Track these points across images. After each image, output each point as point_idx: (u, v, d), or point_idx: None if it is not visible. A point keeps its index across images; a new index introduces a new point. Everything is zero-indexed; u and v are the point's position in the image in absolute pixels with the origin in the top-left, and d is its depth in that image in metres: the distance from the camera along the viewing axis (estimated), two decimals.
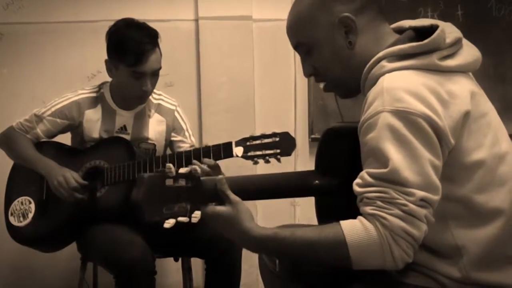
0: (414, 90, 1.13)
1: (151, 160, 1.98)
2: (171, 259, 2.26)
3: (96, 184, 2.04)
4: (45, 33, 2.71)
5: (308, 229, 1.19)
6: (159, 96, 2.24)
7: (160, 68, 2.07)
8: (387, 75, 1.18)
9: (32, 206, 2.11)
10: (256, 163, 1.83)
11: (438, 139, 1.13)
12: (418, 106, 1.12)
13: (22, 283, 2.77)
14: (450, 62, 1.21)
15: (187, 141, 2.24)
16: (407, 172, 1.10)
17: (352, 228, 1.12)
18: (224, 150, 1.86)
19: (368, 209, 1.12)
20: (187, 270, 2.29)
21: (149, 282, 1.89)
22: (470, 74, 1.29)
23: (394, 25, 1.35)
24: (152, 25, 2.07)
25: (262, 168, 1.89)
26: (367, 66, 1.24)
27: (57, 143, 2.20)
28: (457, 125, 1.15)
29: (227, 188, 1.24)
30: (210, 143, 1.91)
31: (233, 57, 2.77)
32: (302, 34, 1.31)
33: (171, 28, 2.71)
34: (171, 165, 1.21)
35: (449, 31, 1.24)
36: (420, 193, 1.09)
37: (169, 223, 1.20)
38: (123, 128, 2.15)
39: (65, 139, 2.24)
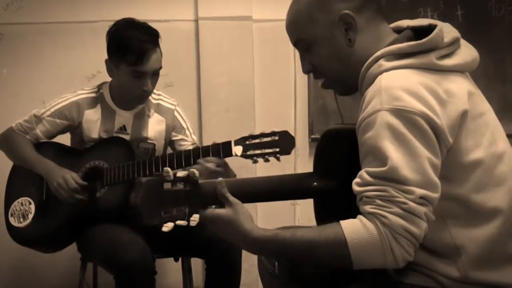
0: (412, 89, 1.13)
1: (151, 160, 1.98)
2: (171, 259, 2.26)
3: (95, 184, 2.04)
4: (44, 34, 2.71)
5: (308, 229, 1.19)
6: (158, 96, 2.24)
7: (160, 67, 2.07)
8: (385, 74, 1.19)
9: (32, 207, 2.11)
10: (255, 162, 1.83)
11: (436, 137, 1.13)
12: (416, 105, 1.12)
13: (22, 284, 2.77)
14: (448, 62, 1.21)
15: (188, 139, 2.24)
16: (406, 170, 1.10)
17: (352, 228, 1.12)
18: (223, 150, 1.86)
19: (368, 208, 1.12)
20: (187, 270, 2.29)
21: (149, 282, 1.89)
22: (468, 74, 1.29)
23: (392, 25, 1.36)
24: (152, 25, 2.08)
25: (262, 167, 1.90)
26: (365, 65, 1.24)
27: (56, 144, 2.20)
28: (455, 124, 1.15)
29: (227, 190, 1.24)
30: (210, 143, 1.90)
31: (233, 57, 2.77)
32: (302, 31, 1.31)
33: (171, 29, 2.71)
34: (169, 169, 1.21)
35: (447, 30, 1.24)
36: (420, 191, 1.09)
37: (167, 226, 1.20)
38: (123, 128, 2.15)
39: (65, 139, 2.24)
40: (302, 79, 2.85)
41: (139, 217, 1.19)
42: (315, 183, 1.33)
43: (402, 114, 1.11)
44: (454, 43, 1.25)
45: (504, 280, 1.18)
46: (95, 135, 2.13)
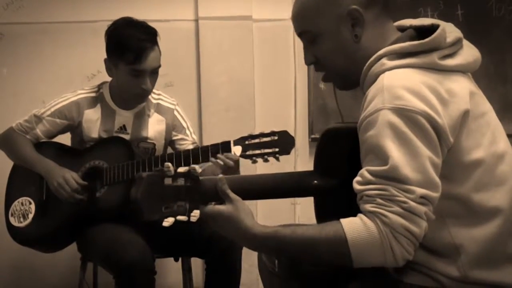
0: (414, 88, 1.13)
1: (150, 160, 1.97)
2: (171, 259, 2.26)
3: (95, 184, 2.05)
4: (45, 33, 2.71)
5: (309, 227, 1.19)
6: (158, 96, 2.24)
7: (159, 66, 2.07)
8: (387, 73, 1.19)
9: (32, 206, 2.11)
10: (255, 162, 1.83)
11: (437, 137, 1.13)
12: (418, 104, 1.12)
13: (22, 283, 2.77)
14: (450, 62, 1.22)
15: (189, 139, 2.24)
16: (407, 169, 1.10)
17: (353, 226, 1.12)
18: (223, 149, 1.86)
19: (368, 207, 1.12)
20: (187, 270, 2.29)
21: (149, 282, 1.89)
22: (469, 74, 1.29)
23: (395, 24, 1.36)
24: (152, 25, 2.08)
25: (262, 167, 1.89)
26: (367, 63, 1.24)
27: (56, 144, 2.20)
28: (456, 124, 1.15)
29: (227, 187, 1.24)
30: (210, 143, 1.90)
31: (233, 57, 2.77)
32: (308, 22, 1.31)
33: (171, 28, 2.71)
34: (169, 164, 1.21)
35: (449, 30, 1.24)
36: (420, 191, 1.09)
37: (168, 221, 1.20)
38: (123, 128, 2.15)
39: (65, 139, 2.24)
40: (302, 78, 2.85)
41: (139, 212, 1.19)
42: (315, 181, 1.33)
43: (403, 113, 1.12)
44: (457, 43, 1.25)
45: (504, 279, 1.18)
46: (95, 134, 2.13)
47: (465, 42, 1.29)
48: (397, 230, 1.09)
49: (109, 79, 2.17)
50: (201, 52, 2.77)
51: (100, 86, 2.19)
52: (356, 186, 1.16)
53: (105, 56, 2.07)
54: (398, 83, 1.15)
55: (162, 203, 1.20)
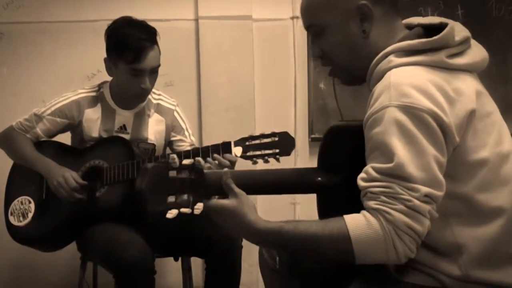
0: (421, 86, 1.13)
1: (150, 160, 1.97)
2: (171, 258, 2.26)
3: (95, 184, 2.04)
4: (45, 33, 2.71)
5: (312, 223, 1.19)
6: (158, 96, 2.24)
7: (159, 65, 2.06)
8: (394, 70, 1.19)
9: (32, 205, 2.11)
10: (255, 163, 1.83)
11: (443, 135, 1.13)
12: (424, 102, 1.12)
13: (22, 283, 2.77)
14: (458, 61, 1.21)
15: (187, 140, 2.24)
16: (412, 167, 1.10)
17: (356, 222, 1.12)
18: (223, 150, 1.86)
19: (372, 204, 1.12)
20: (187, 270, 2.29)
21: (149, 281, 1.89)
22: (475, 74, 1.29)
23: (403, 22, 1.35)
24: (152, 24, 2.08)
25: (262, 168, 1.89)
26: (374, 60, 1.24)
27: (56, 143, 2.20)
28: (462, 123, 1.15)
29: (232, 181, 1.24)
30: (210, 143, 1.90)
31: (233, 56, 2.77)
32: (316, 16, 1.30)
33: (171, 28, 2.71)
34: (175, 155, 1.22)
35: (458, 29, 1.24)
36: (425, 189, 1.09)
37: (171, 213, 1.20)
38: (123, 128, 2.15)
39: (65, 138, 2.24)
40: (302, 78, 2.85)
41: (144, 202, 1.19)
42: (319, 178, 1.33)
43: (410, 111, 1.11)
44: (465, 42, 1.25)
45: (506, 280, 1.17)
46: (95, 134, 2.13)
47: (473, 42, 1.29)
48: (400, 228, 1.09)
49: (109, 78, 2.17)
50: (201, 51, 2.76)
51: (100, 86, 2.19)
52: (361, 183, 1.16)
53: (105, 55, 2.07)
54: (405, 80, 1.15)
55: (166, 194, 1.20)
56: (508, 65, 2.90)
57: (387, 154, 1.12)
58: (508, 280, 1.18)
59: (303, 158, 2.84)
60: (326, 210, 1.34)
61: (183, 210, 1.21)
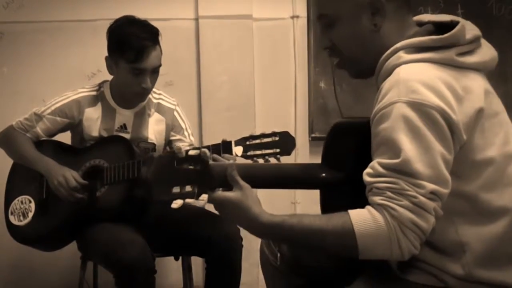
0: (430, 83, 1.13)
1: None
2: (171, 258, 2.26)
3: (96, 183, 2.04)
4: (45, 32, 2.71)
5: (316, 217, 1.19)
6: (159, 95, 2.23)
7: (160, 65, 2.06)
8: (403, 66, 1.19)
9: (32, 205, 2.10)
10: (255, 162, 1.83)
11: (451, 133, 1.13)
12: (433, 99, 1.11)
13: (22, 282, 2.77)
14: (468, 59, 1.21)
15: (186, 140, 2.23)
16: (418, 164, 1.10)
17: (361, 217, 1.12)
18: (224, 150, 1.85)
19: (378, 199, 1.12)
20: (187, 269, 2.29)
21: (149, 281, 1.89)
22: (484, 73, 1.29)
23: (414, 19, 1.35)
24: (152, 24, 2.07)
25: None
26: (384, 55, 1.24)
27: (57, 142, 2.20)
28: (470, 121, 1.15)
29: (237, 173, 1.24)
30: (210, 143, 1.90)
31: (233, 56, 2.77)
32: (328, 7, 1.31)
33: (171, 27, 2.71)
34: (181, 146, 1.22)
35: (468, 28, 1.24)
36: (430, 186, 1.09)
37: (176, 203, 1.20)
38: (123, 127, 2.15)
39: (65, 138, 2.24)
40: (302, 78, 2.85)
41: (149, 192, 1.19)
42: (323, 174, 1.33)
43: (418, 107, 1.11)
44: (475, 41, 1.25)
45: (509, 280, 1.17)
46: (95, 133, 2.13)
47: (483, 41, 1.29)
48: (405, 224, 1.09)
49: (109, 78, 2.17)
50: (201, 51, 2.76)
51: (101, 85, 2.19)
52: (366, 178, 1.15)
53: (105, 55, 2.07)
54: (415, 77, 1.14)
55: (172, 185, 1.21)
56: (508, 64, 2.90)
57: (394, 149, 1.12)
58: (510, 280, 1.18)
59: (303, 157, 2.84)
60: (329, 206, 1.34)
61: (188, 200, 1.21)
